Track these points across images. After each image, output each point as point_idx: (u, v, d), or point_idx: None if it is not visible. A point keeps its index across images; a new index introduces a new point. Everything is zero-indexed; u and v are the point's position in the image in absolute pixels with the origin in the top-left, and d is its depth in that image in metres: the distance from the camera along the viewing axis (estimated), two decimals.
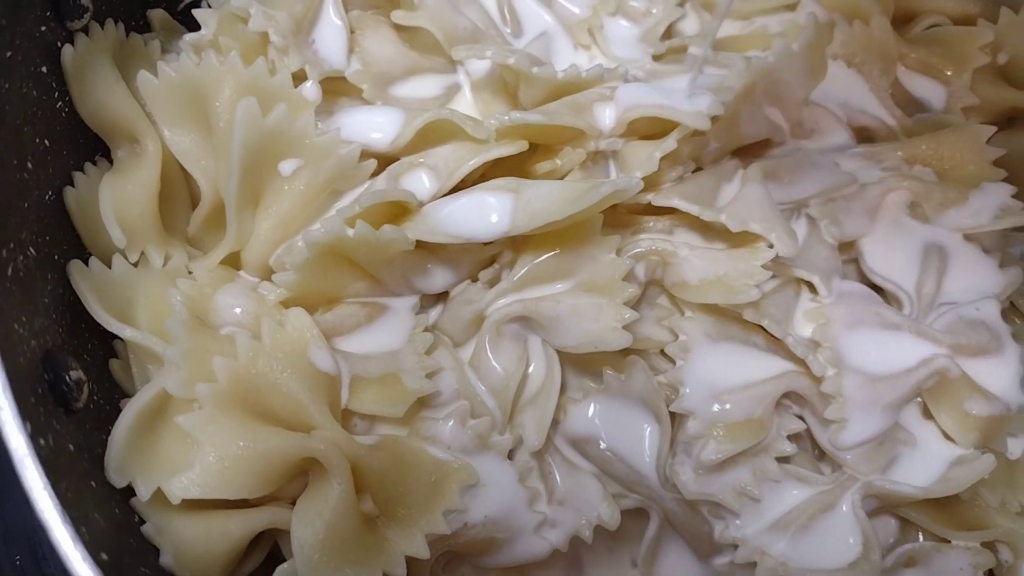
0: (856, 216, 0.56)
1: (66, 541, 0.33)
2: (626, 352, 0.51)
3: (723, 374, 0.51)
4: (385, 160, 0.53)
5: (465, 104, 0.58)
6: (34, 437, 0.35)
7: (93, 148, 0.52)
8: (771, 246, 0.51)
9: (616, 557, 0.53)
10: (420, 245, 0.49)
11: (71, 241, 0.49)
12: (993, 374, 0.53)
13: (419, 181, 0.52)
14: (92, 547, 0.34)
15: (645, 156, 0.51)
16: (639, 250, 0.52)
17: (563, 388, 0.52)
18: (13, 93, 0.43)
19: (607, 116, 0.52)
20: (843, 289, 0.54)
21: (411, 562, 0.46)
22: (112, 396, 0.47)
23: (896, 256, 0.56)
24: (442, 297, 0.54)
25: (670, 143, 0.51)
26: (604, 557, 0.53)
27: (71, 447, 0.39)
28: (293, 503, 0.46)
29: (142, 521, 0.43)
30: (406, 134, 0.52)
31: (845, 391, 0.50)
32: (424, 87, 0.58)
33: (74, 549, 0.33)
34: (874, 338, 0.52)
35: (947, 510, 0.52)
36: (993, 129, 0.59)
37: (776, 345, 0.52)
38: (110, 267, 0.49)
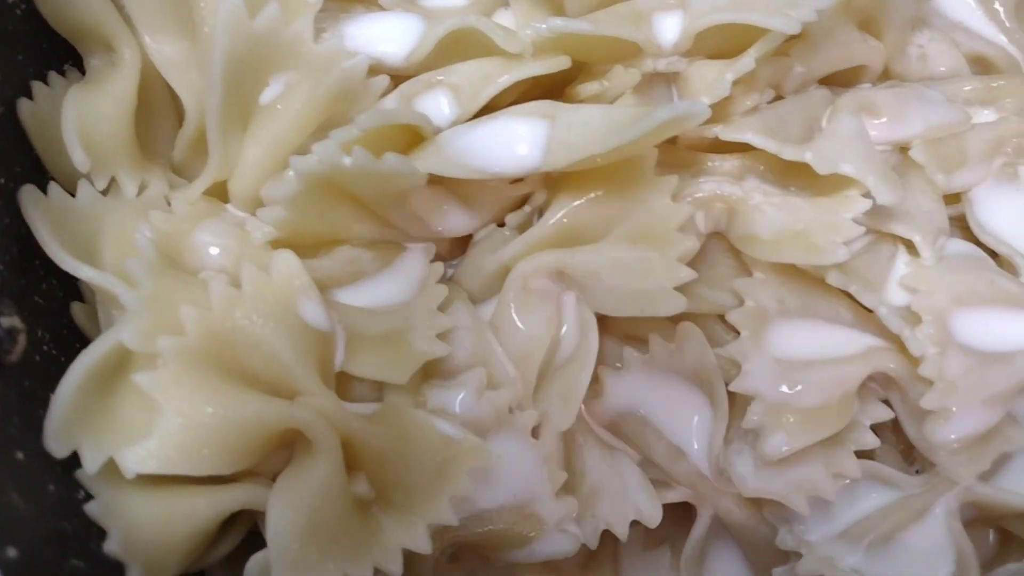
0: (967, 162, 0.47)
1: None
2: (678, 317, 0.43)
3: (796, 349, 0.43)
4: (400, 79, 0.45)
5: (503, 18, 0.49)
6: None
7: (61, 56, 0.45)
8: (866, 194, 0.42)
9: (655, 558, 0.46)
10: (436, 180, 0.41)
11: (27, 164, 0.42)
12: None
13: (437, 103, 0.44)
14: None
15: (714, 78, 0.43)
16: (701, 195, 0.44)
17: (600, 357, 0.44)
18: None
19: (669, 27, 0.43)
20: (951, 250, 0.45)
21: (410, 555, 0.39)
22: (72, 346, 0.40)
23: (1014, 212, 0.48)
24: (461, 245, 0.46)
25: (746, 62, 0.42)
26: (639, 557, 0.46)
27: None
28: (275, 478, 0.39)
29: (88, 498, 0.36)
30: (425, 46, 0.44)
31: (949, 375, 0.42)
32: None
33: None
34: (987, 312, 0.43)
35: None
36: None
37: (864, 316, 0.44)
38: (74, 195, 0.42)
